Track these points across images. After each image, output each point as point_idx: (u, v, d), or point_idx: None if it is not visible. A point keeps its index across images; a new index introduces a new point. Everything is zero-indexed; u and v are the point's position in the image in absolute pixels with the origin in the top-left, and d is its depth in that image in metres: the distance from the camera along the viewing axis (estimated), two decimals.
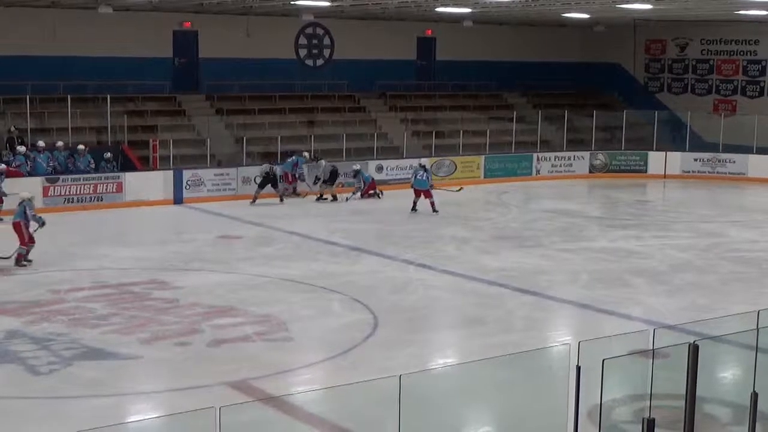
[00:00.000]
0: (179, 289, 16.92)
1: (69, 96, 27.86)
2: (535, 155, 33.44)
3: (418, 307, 16.12)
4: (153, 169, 27.59)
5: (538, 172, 33.17)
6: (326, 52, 34.88)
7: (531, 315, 15.69)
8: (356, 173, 27.96)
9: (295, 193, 27.83)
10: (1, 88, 27.53)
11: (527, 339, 14.04)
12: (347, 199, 27.27)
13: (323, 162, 27.87)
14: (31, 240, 18.47)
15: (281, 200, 26.83)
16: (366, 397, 9.78)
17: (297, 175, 27.87)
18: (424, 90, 36.53)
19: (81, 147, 26.53)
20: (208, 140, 29.31)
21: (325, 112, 33.06)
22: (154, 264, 18.97)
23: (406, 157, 31.24)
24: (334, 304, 16.23)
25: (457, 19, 33.56)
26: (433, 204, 24.89)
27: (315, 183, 27.79)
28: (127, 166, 27.31)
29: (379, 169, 30.02)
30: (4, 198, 22.93)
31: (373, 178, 28.32)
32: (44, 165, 25.59)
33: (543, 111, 35.41)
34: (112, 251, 20.16)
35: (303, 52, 34.56)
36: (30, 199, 18.84)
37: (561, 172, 33.40)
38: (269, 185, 26.70)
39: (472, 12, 31.14)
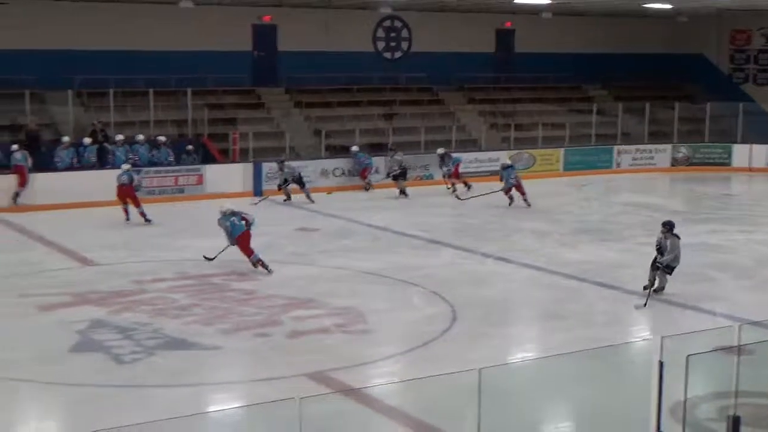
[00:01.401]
0: (258, 280, 17.06)
1: (151, 90, 28.27)
2: (615, 148, 33.06)
3: (497, 300, 16.03)
4: (233, 162, 27.87)
5: (618, 165, 32.79)
6: (404, 45, 34.86)
7: (611, 309, 15.51)
8: (443, 157, 27.60)
9: (367, 187, 27.71)
10: (85, 83, 28.04)
11: (607, 334, 13.92)
12: (452, 191, 26.84)
13: (399, 156, 27.56)
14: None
15: (288, 198, 25.87)
16: (445, 390, 9.78)
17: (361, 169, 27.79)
18: (503, 82, 36.29)
19: (161, 139, 26.94)
20: (287, 133, 29.52)
21: (403, 104, 33.03)
22: (233, 255, 19.10)
23: (484, 150, 31.16)
24: (412, 296, 16.23)
25: (536, 10, 33.31)
26: (524, 197, 24.74)
27: (387, 177, 27.51)
28: (208, 158, 27.62)
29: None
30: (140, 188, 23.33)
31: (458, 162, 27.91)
32: (123, 158, 26.00)
33: (624, 103, 34.89)
34: (193, 243, 20.36)
35: (381, 45, 34.58)
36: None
37: (642, 165, 32.96)
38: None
39: (551, 3, 30.90)
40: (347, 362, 12.60)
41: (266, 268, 17.36)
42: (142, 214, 22.31)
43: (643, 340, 13.57)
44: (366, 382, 11.85)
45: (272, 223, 23.05)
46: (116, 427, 7.44)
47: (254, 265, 17.42)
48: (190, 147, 27.18)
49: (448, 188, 27.33)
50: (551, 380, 10.85)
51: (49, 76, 27.27)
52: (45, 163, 25.13)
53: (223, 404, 11.33)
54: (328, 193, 26.87)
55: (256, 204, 24.48)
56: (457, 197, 23.36)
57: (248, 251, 17.47)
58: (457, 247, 20.07)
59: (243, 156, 28.09)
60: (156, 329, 14.06)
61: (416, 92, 33.98)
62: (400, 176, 27.15)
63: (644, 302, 15.16)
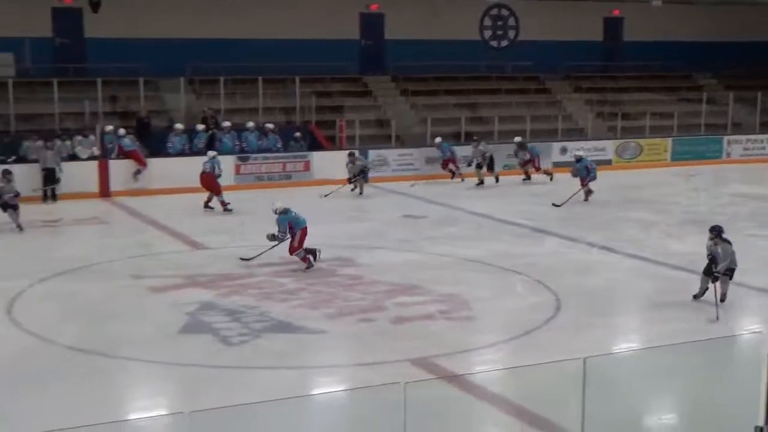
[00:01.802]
0: (364, 266, 17.14)
1: (260, 78, 28.60)
2: (725, 138, 32.40)
3: (602, 289, 15.84)
4: (340, 149, 27.96)
5: (728, 155, 32.12)
6: (511, 33, 34.67)
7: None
8: (520, 146, 27.30)
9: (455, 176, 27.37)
10: (196, 70, 28.54)
11: (714, 326, 13.63)
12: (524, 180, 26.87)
13: (482, 146, 27.12)
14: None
15: (356, 187, 25.22)
16: (548, 378, 9.70)
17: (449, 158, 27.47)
18: (610, 71, 35.79)
19: (270, 126, 27.27)
20: (393, 121, 29.59)
21: (509, 93, 32.84)
22: (340, 241, 19.23)
23: (590, 139, 30.80)
24: (516, 284, 16.15)
25: None
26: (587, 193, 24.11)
27: (469, 165, 27.05)
28: (315, 145, 27.84)
29: (563, 150, 29.61)
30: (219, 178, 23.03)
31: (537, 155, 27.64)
32: (230, 144, 26.43)
33: (735, 92, 34.14)
34: None
35: (488, 34, 34.46)
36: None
37: (753, 155, 32.24)
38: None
39: None
40: (450, 349, 12.57)
41: (310, 264, 16.87)
42: (222, 203, 22.47)
43: (752, 333, 13.27)
44: (469, 369, 11.82)
45: (379, 210, 23.20)
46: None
47: (303, 259, 16.88)
48: (297, 134, 27.46)
49: (524, 179, 27.25)
50: (656, 371, 10.68)
51: (163, 64, 27.81)
52: (157, 149, 25.69)
53: (328, 387, 11.43)
54: (412, 185, 26.60)
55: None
56: (554, 204, 22.81)
57: (302, 245, 16.92)
58: (561, 236, 19.88)
59: (349, 143, 28.26)
60: (263, 312, 14.24)
61: (522, 81, 33.77)
62: (481, 166, 26.83)
63: (716, 315, 14.07)
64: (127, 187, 24.44)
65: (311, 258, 16.90)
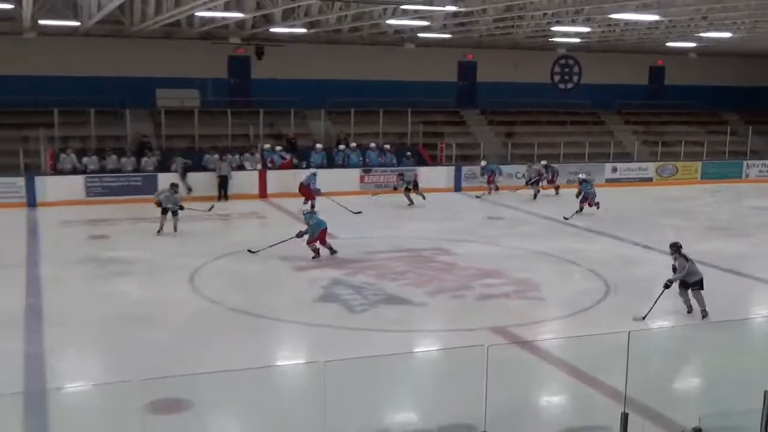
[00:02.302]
0: (456, 255, 17.04)
1: (381, 110, 28.69)
2: (744, 162, 31.25)
3: (644, 278, 15.41)
4: (440, 165, 27.92)
5: (747, 175, 30.97)
6: (575, 78, 34.05)
7: (733, 291, 14.70)
8: (546, 168, 26.07)
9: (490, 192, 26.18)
10: (333, 104, 28.77)
11: (730, 308, 13.14)
12: (535, 196, 25.13)
13: (537, 165, 26.05)
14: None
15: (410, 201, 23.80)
16: (599, 348, 9.53)
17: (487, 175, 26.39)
18: (653, 108, 34.87)
19: (387, 147, 27.37)
20: (482, 144, 29.37)
21: (573, 124, 32.28)
22: (438, 235, 19.20)
23: (636, 161, 30.14)
24: (575, 273, 15.85)
25: (684, 51, 31.81)
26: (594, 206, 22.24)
27: (527, 183, 25.92)
28: (421, 162, 27.80)
29: (614, 170, 29.10)
30: (317, 194, 22.28)
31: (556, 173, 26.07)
32: (356, 160, 26.63)
33: (753, 126, 32.94)
34: (407, 225, 20.61)
35: (557, 78, 33.92)
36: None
37: (767, 176, 31.09)
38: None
39: (696, 46, 29.46)
40: (523, 320, 12.43)
41: (317, 255, 16.38)
42: (311, 206, 21.36)
43: (763, 317, 12.83)
44: (537, 337, 11.65)
45: (469, 212, 23.07)
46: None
47: (316, 252, 16.38)
48: (408, 153, 27.47)
49: (487, 194, 25.98)
50: (685, 344, 10.39)
51: (308, 98, 28.12)
52: (302, 163, 25.96)
53: (428, 347, 11.41)
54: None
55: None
56: (564, 218, 21.84)
57: (317, 241, 16.46)
58: (610, 236, 19.45)
59: (447, 161, 28.15)
60: (379, 288, 14.28)
61: (583, 115, 33.12)
62: (535, 183, 25.68)
63: (703, 315, 12.41)
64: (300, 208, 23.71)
65: (319, 251, 16.33)
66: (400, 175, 24.52)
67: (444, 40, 27.72)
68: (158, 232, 18.61)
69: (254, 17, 22.81)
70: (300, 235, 16.42)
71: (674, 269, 12.84)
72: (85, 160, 24.05)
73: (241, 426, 8.88)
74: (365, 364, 8.03)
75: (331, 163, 26.31)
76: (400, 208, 23.46)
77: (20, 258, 16.16)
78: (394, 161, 27.11)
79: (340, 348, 10.92)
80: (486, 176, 26.50)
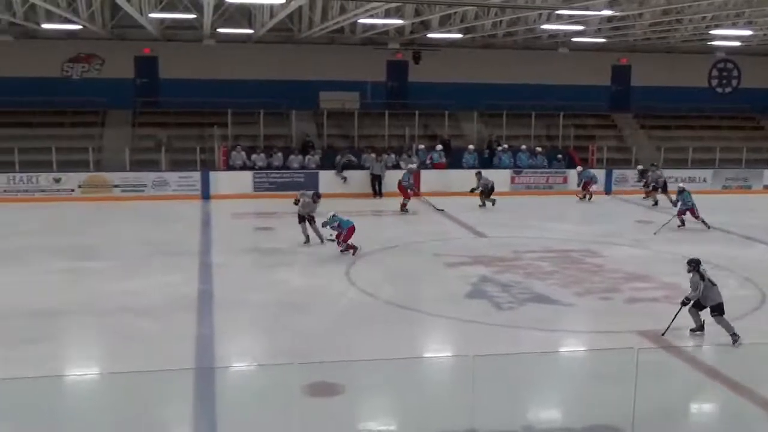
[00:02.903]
0: (605, 257, 16.56)
1: (533, 113, 28.22)
2: None
3: None
4: (591, 168, 27.09)
5: None
6: (734, 82, 32.33)
7: None
8: (642, 172, 24.64)
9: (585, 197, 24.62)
10: (486, 106, 28.58)
11: None
12: (653, 203, 23.63)
13: (659, 171, 24.38)
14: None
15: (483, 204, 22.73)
16: (752, 357, 9.04)
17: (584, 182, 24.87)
18: None
19: (538, 149, 26.96)
20: (634, 147, 28.42)
21: (729, 129, 30.65)
22: (587, 237, 18.74)
23: None
24: (729, 280, 14.97)
25: None
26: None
27: (646, 188, 24.49)
28: (572, 164, 27.16)
29: None
30: (412, 192, 22.19)
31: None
32: (507, 161, 26.34)
33: None
34: (556, 226, 20.21)
35: (714, 82, 32.32)
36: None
37: None
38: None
39: None
40: (673, 325, 11.90)
41: (351, 249, 16.12)
42: (403, 205, 21.72)
43: None
44: (685, 343, 11.14)
45: (619, 216, 22.40)
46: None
47: (346, 248, 16.13)
48: (559, 156, 26.97)
49: (644, 197, 24.52)
50: None
51: (461, 101, 28.13)
52: (455, 164, 25.98)
53: (574, 347, 11.16)
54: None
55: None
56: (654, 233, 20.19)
57: (347, 239, 16.15)
58: (767, 243, 18.31)
59: (599, 163, 27.41)
60: (526, 287, 14.09)
61: (741, 120, 31.39)
62: (656, 188, 23.99)
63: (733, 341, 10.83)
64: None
65: (352, 250, 16.11)
66: (478, 173, 23.39)
67: (598, 44, 27.03)
68: (305, 242, 17.28)
69: (413, 23, 23.05)
70: (337, 237, 16.23)
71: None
72: (253, 157, 25.08)
73: (392, 412, 9.00)
74: (512, 361, 7.96)
75: (484, 164, 26.11)
76: (548, 208, 23.07)
77: (194, 246, 17.03)
78: (545, 163, 26.68)
79: (487, 343, 10.86)
80: (582, 182, 24.95)
